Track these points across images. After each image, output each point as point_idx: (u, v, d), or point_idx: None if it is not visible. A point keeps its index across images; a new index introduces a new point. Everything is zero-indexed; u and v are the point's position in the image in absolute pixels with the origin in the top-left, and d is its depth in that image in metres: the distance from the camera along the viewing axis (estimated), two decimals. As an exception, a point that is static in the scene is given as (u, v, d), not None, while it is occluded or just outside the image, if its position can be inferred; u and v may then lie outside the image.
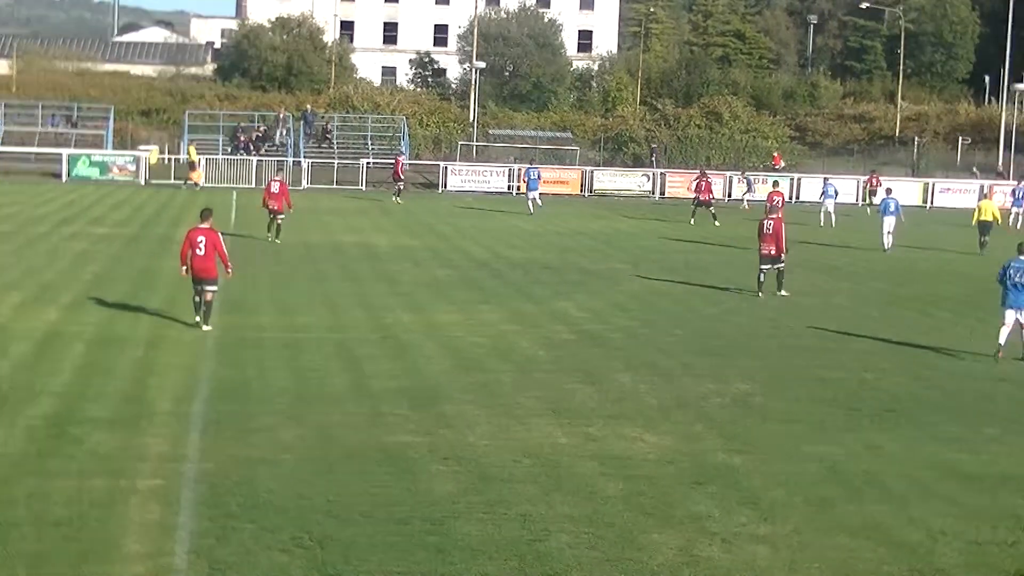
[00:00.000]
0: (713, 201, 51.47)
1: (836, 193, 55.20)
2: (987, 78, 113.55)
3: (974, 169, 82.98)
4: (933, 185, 72.25)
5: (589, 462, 15.04)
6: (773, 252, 30.02)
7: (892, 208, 42.60)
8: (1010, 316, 22.97)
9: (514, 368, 20.49)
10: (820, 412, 18.09)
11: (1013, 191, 60.50)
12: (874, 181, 63.21)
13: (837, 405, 18.60)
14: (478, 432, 16.24)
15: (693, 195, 52.36)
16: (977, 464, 15.59)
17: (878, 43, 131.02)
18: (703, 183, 51.73)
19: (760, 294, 30.02)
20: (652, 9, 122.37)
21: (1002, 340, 22.91)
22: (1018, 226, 53.53)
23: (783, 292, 30.19)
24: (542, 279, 32.09)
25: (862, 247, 42.50)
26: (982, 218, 43.88)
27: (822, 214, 52.05)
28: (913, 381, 20.78)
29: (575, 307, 27.44)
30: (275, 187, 38.90)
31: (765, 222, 30.58)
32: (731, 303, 29.12)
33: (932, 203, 69.45)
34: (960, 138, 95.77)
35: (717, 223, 48.77)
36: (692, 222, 49.67)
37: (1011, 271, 23.14)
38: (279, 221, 38.35)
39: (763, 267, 30.24)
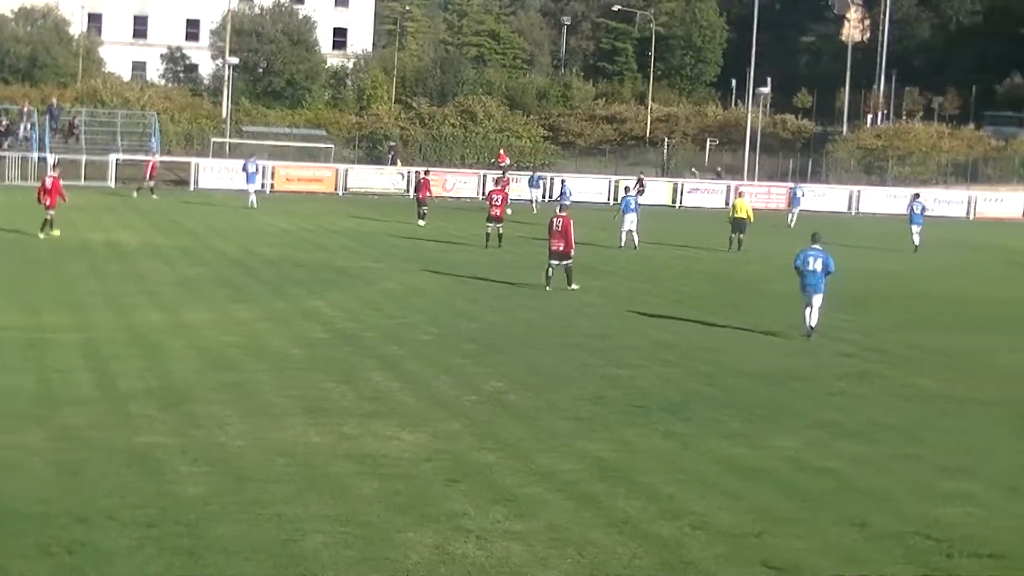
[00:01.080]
0: (429, 201, 50.25)
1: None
2: (734, 82, 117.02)
3: (690, 170, 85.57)
4: (682, 185, 74.09)
5: (344, 461, 14.87)
6: (562, 248, 30.93)
7: (633, 206, 43.64)
8: (806, 298, 25.51)
9: (267, 367, 20.16)
10: (583, 409, 18.23)
11: (791, 191, 63.10)
12: (641, 183, 64.78)
13: (600, 402, 18.78)
14: (230, 432, 15.91)
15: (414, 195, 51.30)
16: (759, 459, 15.93)
17: (629, 45, 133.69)
18: (425, 182, 50.83)
19: (548, 288, 30.71)
20: (407, 7, 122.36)
21: (808, 315, 25.42)
22: (793, 224, 55.75)
23: (574, 286, 30.98)
24: (295, 277, 31.74)
25: (607, 245, 43.03)
26: (736, 215, 45.25)
27: None
28: (691, 378, 21.16)
29: (329, 305, 27.19)
30: (48, 182, 38.50)
31: (555, 220, 31.48)
32: (488, 300, 29.26)
33: (681, 203, 71.14)
34: (708, 139, 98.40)
35: (422, 223, 48.05)
36: (422, 223, 48.17)
37: (808, 258, 25.50)
38: (48, 216, 37.70)
39: (552, 263, 31.17)
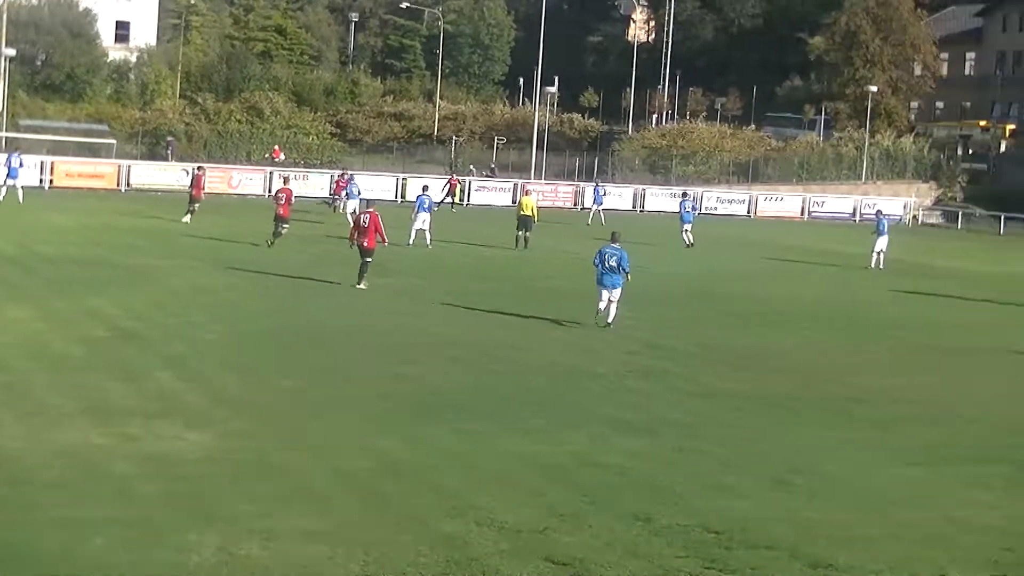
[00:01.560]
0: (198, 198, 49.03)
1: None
2: (521, 80, 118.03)
3: (488, 166, 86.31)
4: (470, 184, 74.45)
5: (127, 462, 14.53)
6: (366, 245, 31.18)
7: (427, 205, 43.75)
8: (604, 294, 26.80)
9: (45, 368, 19.57)
10: (373, 406, 18.15)
11: (595, 189, 64.31)
12: (453, 180, 65.12)
13: (391, 399, 18.71)
14: (6, 434, 15.41)
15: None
16: (547, 455, 16.03)
17: (418, 43, 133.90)
18: (198, 178, 49.98)
19: (360, 286, 31.05)
20: (192, 1, 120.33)
21: (601, 307, 26.93)
22: (593, 222, 56.80)
23: (362, 285, 31.08)
24: (75, 275, 30.87)
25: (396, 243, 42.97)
26: (523, 213, 45.72)
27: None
28: (483, 375, 21.22)
29: (111, 304, 26.51)
30: None
31: (362, 216, 32.00)
32: (277, 298, 28.96)
33: (469, 201, 71.46)
34: (496, 137, 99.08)
35: (186, 219, 46.64)
36: (186, 220, 46.68)
37: (606, 256, 26.91)
38: None
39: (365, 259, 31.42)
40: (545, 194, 70.35)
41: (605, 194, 64.37)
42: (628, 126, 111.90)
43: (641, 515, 13.54)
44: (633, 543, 12.69)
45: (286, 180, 47.67)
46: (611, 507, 13.82)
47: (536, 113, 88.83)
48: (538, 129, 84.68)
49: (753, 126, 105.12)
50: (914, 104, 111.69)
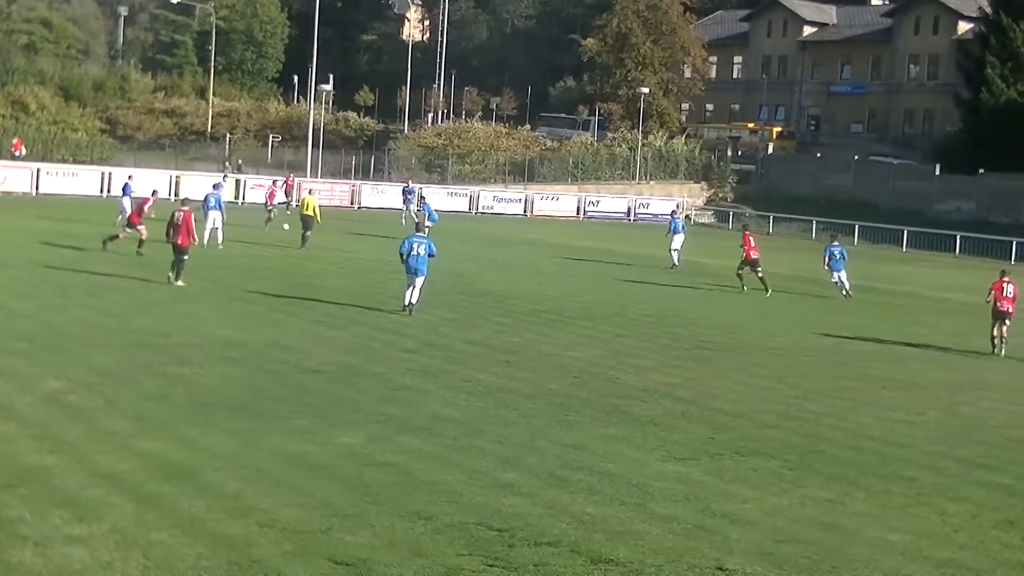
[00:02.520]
0: None
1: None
2: (296, 78, 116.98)
3: (231, 163, 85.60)
4: (245, 182, 73.53)
5: None
6: (180, 243, 31.57)
7: (214, 204, 43.19)
8: (410, 280, 29.21)
9: None
10: (145, 408, 17.71)
11: (403, 190, 64.40)
12: (289, 182, 64.31)
13: (163, 400, 18.29)
14: None
15: None
16: (327, 455, 15.86)
17: (189, 38, 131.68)
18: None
19: (173, 282, 31.15)
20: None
21: (408, 294, 29.19)
22: (407, 223, 56.76)
23: (179, 283, 31.29)
24: None
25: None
26: (305, 213, 45.50)
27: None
28: (258, 375, 20.90)
29: None
30: None
31: (176, 213, 32.15)
32: (44, 298, 28.09)
33: (244, 199, 70.58)
34: (271, 135, 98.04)
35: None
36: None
37: (413, 244, 29.21)
38: None
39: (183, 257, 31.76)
40: (322, 193, 69.77)
41: (414, 196, 64.76)
42: (404, 125, 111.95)
43: (423, 514, 13.51)
44: (416, 542, 12.65)
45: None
46: (393, 506, 13.75)
47: (311, 111, 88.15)
48: (313, 127, 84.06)
49: (528, 126, 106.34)
50: (685, 106, 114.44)
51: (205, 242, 41.55)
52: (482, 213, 78.40)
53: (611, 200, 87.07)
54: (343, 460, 15.68)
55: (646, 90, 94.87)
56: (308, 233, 44.75)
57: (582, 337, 28.21)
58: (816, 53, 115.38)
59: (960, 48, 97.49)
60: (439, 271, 38.47)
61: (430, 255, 29.36)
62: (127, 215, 42.07)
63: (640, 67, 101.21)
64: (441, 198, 75.56)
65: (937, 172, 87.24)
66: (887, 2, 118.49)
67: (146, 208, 39.41)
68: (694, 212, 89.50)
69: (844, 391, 23.35)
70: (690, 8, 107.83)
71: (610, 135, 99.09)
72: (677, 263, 47.90)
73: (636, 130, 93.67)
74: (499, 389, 21.16)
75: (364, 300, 31.70)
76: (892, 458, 17.79)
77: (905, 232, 76.99)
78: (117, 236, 38.72)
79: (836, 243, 43.14)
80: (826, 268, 42.45)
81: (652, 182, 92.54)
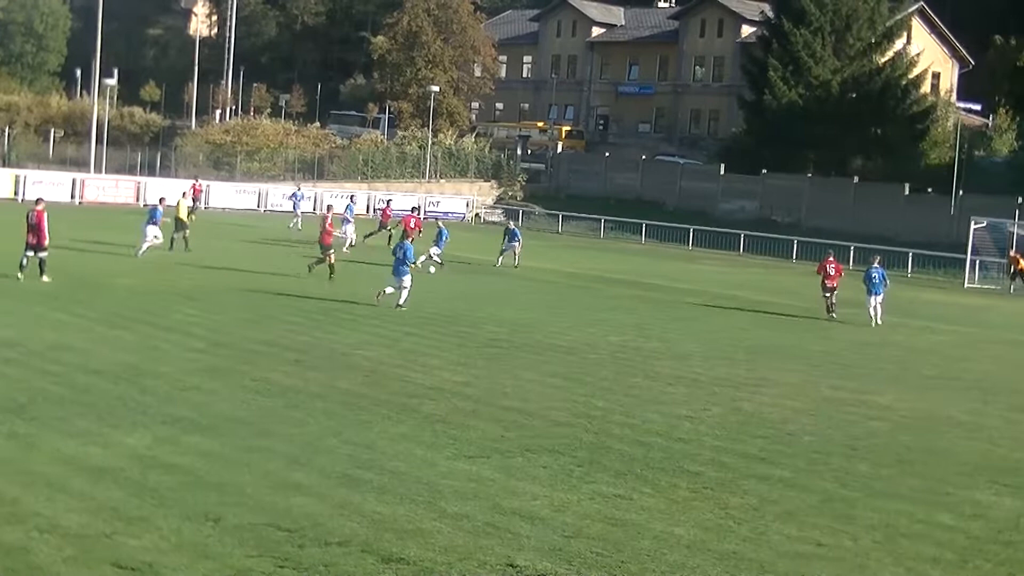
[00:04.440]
0: None
1: None
2: (79, 72, 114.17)
3: None
4: (25, 177, 71.49)
5: None
6: (34, 242, 32.29)
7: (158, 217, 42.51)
8: (394, 281, 33.01)
9: None
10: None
11: (293, 195, 63.88)
12: (197, 187, 63.61)
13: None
14: None
15: None
16: (111, 457, 15.47)
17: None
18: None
19: (19, 277, 31.59)
20: None
21: (388, 291, 32.95)
22: (298, 226, 56.45)
23: (45, 278, 32.01)
24: None
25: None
26: (179, 216, 44.82)
27: None
28: (37, 377, 20.29)
29: None
30: None
31: (30, 213, 32.78)
32: None
33: (24, 195, 68.55)
34: (52, 130, 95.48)
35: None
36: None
37: (406, 250, 33.24)
38: None
39: (27, 254, 32.35)
40: (106, 189, 68.34)
41: (302, 198, 64.84)
42: (191, 121, 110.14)
43: (211, 515, 13.31)
44: (204, 544, 12.46)
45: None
46: (180, 508, 13.51)
47: (95, 106, 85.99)
48: (97, 122, 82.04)
49: (318, 123, 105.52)
50: (475, 105, 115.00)
51: (140, 253, 41.29)
52: (271, 211, 77.54)
53: (401, 198, 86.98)
54: (127, 462, 15.34)
55: (436, 88, 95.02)
56: (185, 234, 44.30)
57: (373, 336, 28.13)
58: (605, 54, 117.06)
59: (744, 51, 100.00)
60: (226, 269, 38.08)
61: (409, 261, 33.26)
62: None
63: (430, 65, 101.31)
64: (229, 194, 74.59)
65: (722, 172, 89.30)
66: (674, 4, 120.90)
67: None
68: (484, 211, 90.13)
69: (631, 388, 23.74)
70: (480, 7, 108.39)
71: (400, 133, 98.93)
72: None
73: (426, 128, 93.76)
74: (289, 389, 20.97)
75: (151, 299, 31.11)
76: (677, 453, 18.15)
77: (691, 231, 78.64)
78: None
79: (877, 265, 39.50)
80: (866, 291, 38.92)
81: (442, 180, 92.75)
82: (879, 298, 38.81)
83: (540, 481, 15.94)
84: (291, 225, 60.48)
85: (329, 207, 48.57)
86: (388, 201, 64.77)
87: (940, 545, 14.33)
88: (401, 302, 32.91)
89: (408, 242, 34.74)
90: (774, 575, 12.93)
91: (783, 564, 13.24)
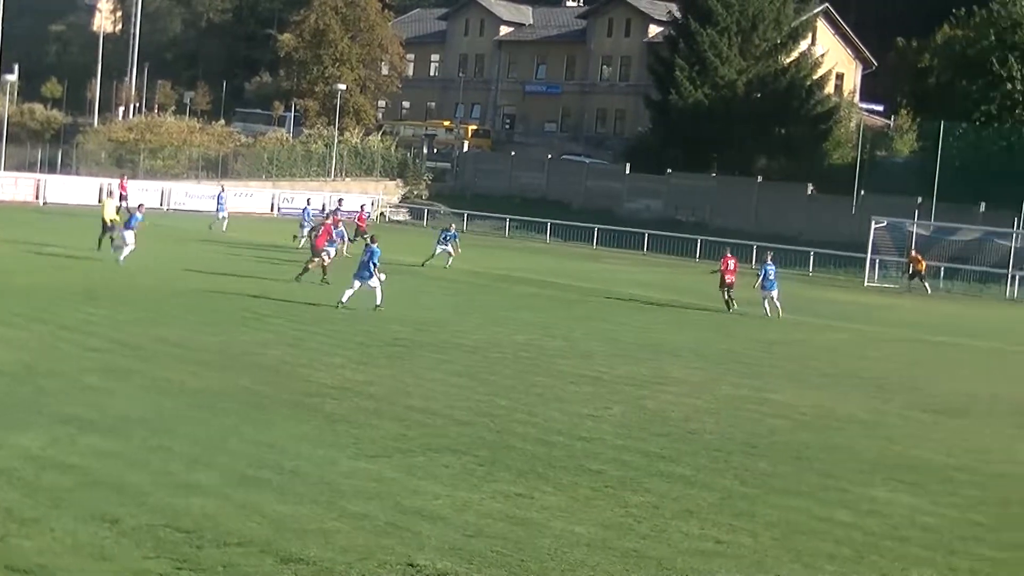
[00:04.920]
0: None
1: None
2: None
3: None
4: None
5: None
6: None
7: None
8: (356, 284, 33.54)
9: None
10: None
11: (217, 196, 63.48)
12: (123, 184, 63.02)
13: None
14: None
15: None
16: (1, 458, 15.25)
17: None
18: None
19: None
20: None
21: (348, 294, 33.23)
22: (223, 229, 55.75)
23: None
24: None
25: None
26: (104, 216, 44.38)
27: None
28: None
29: None
30: None
31: None
32: None
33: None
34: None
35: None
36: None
37: (372, 252, 33.73)
38: None
39: None
40: (5, 186, 67.33)
41: (225, 199, 64.34)
42: (94, 118, 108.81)
43: (108, 517, 13.14)
44: (100, 546, 12.30)
45: None
46: (76, 509, 13.33)
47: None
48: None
49: (223, 121, 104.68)
50: (382, 103, 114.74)
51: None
52: (175, 209, 76.79)
53: (305, 197, 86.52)
54: (21, 463, 15.10)
55: (343, 87, 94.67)
56: (104, 236, 43.46)
57: (276, 335, 27.95)
58: (512, 53, 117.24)
59: (651, 51, 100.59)
60: (130, 268, 37.67)
61: (374, 264, 33.78)
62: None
63: (337, 64, 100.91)
64: (131, 192, 73.68)
65: (627, 171, 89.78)
66: (581, 4, 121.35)
67: None
68: (389, 210, 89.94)
69: (534, 387, 23.79)
70: (388, 6, 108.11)
71: (306, 131, 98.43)
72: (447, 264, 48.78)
73: (332, 127, 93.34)
74: (190, 388, 20.78)
75: (51, 298, 30.69)
76: (579, 452, 18.21)
77: (596, 230, 78.97)
78: None
79: (770, 262, 41.92)
80: (758, 287, 41.20)
81: (348, 179, 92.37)
82: (774, 293, 40.96)
83: (441, 480, 15.93)
84: (211, 226, 59.90)
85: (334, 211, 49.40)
86: (362, 206, 65.22)
87: (837, 541, 14.50)
88: (378, 302, 33.50)
89: (375, 245, 34.62)
90: (674, 572, 13.01)
91: (683, 561, 13.33)
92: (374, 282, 33.68)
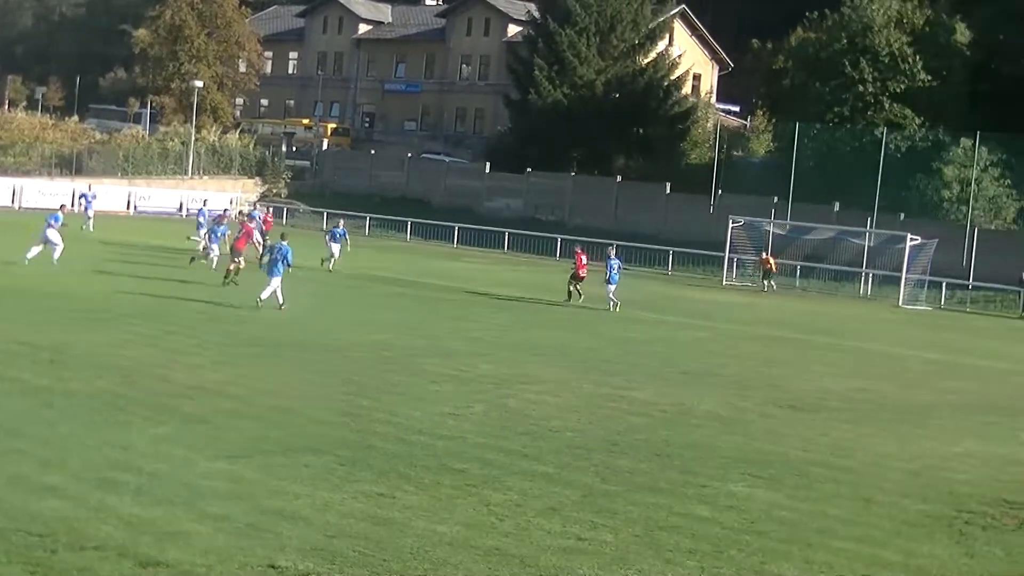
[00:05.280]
0: None
1: None
2: None
3: None
4: None
5: None
6: None
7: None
8: (275, 282, 34.12)
9: None
10: None
11: (83, 196, 62.20)
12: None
13: None
14: None
15: None
16: None
17: None
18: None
19: None
20: None
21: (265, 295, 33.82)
22: (91, 228, 54.64)
23: None
24: None
25: None
26: None
27: None
28: None
29: None
30: None
31: None
32: None
33: None
34: None
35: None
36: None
37: (275, 250, 34.85)
38: None
39: None
40: None
41: (94, 198, 62.97)
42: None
43: (-44, 522, 12.81)
44: (-52, 553, 11.97)
45: None
46: (-77, 516, 12.97)
47: None
48: None
49: (76, 117, 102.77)
50: (240, 101, 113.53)
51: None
52: (27, 208, 75.12)
53: (162, 194, 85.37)
54: None
55: (200, 83, 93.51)
56: None
57: (133, 335, 27.48)
58: (371, 51, 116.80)
59: (510, 50, 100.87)
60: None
61: (287, 264, 34.75)
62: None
63: (194, 60, 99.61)
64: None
65: (487, 170, 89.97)
66: (441, 3, 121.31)
67: None
68: (248, 208, 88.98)
69: (395, 386, 23.69)
70: (245, 3, 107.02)
71: (162, 129, 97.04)
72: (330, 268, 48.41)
73: (189, 124, 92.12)
74: (42, 389, 20.33)
75: None
76: (441, 451, 18.17)
77: (456, 229, 79.01)
78: None
79: (614, 257, 43.93)
80: (605, 280, 42.84)
81: (205, 177, 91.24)
82: (613, 287, 42.81)
83: (302, 481, 15.78)
84: (83, 227, 58.83)
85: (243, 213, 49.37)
86: (268, 208, 64.96)
87: (696, 537, 14.65)
88: (281, 301, 34.24)
89: (286, 243, 35.25)
90: (536, 570, 13.03)
91: (545, 559, 13.36)
92: (276, 282, 34.42)
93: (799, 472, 18.78)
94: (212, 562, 12.31)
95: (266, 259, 36.19)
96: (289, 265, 34.89)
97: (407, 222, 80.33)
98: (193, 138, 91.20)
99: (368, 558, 12.85)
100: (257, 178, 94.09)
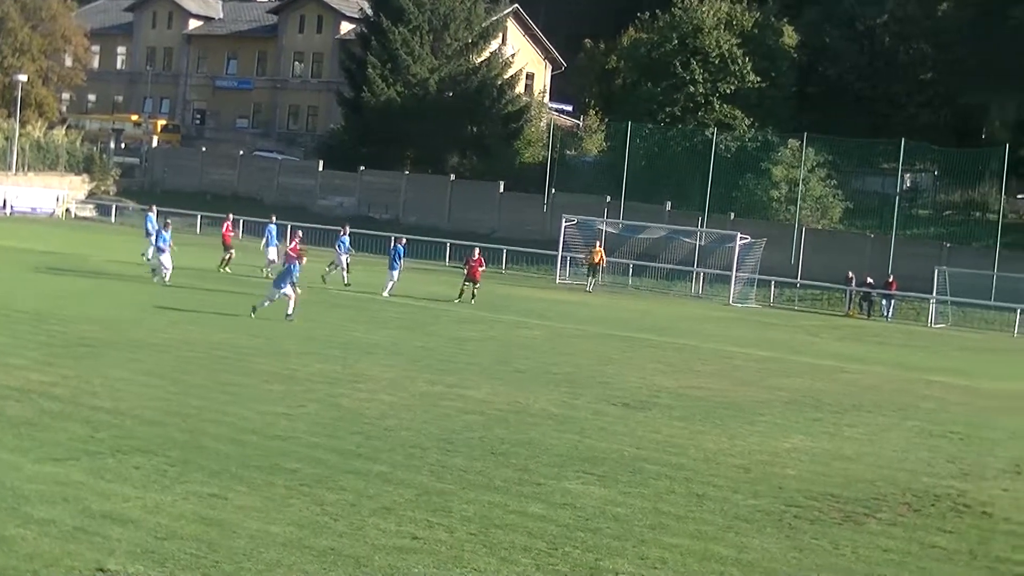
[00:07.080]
0: None
1: None
2: None
3: None
4: None
5: None
6: None
7: None
8: (275, 293, 35.37)
9: None
10: None
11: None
12: None
13: None
14: None
15: None
16: None
17: None
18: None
19: None
20: None
21: (264, 304, 34.88)
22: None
23: None
24: None
25: None
26: None
27: None
28: None
29: None
30: None
31: None
32: None
33: None
34: None
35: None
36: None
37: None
38: None
39: None
40: None
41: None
42: None
43: None
44: None
45: None
46: None
47: None
48: None
49: None
50: (66, 96, 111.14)
51: None
52: None
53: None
54: None
55: (23, 78, 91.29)
56: None
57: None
58: (202, 47, 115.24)
59: (343, 48, 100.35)
60: None
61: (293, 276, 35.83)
62: None
63: (17, 54, 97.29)
64: None
65: (321, 168, 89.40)
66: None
67: None
68: (75, 206, 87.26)
69: (227, 386, 23.38)
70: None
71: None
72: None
73: (12, 119, 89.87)
74: None
75: None
76: (274, 451, 17.97)
77: (289, 227, 78.25)
78: None
79: (400, 245, 49.19)
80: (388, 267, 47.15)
81: (31, 174, 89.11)
82: (396, 273, 47.29)
83: (132, 482, 15.47)
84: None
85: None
86: (230, 216, 62.49)
87: (532, 534, 14.69)
88: (291, 312, 35.20)
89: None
90: (371, 570, 12.94)
91: (380, 558, 13.28)
92: (279, 293, 35.42)
93: (632, 469, 18.96)
94: (38, 567, 12.00)
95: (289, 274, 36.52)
96: (295, 278, 36.07)
97: (240, 220, 79.34)
98: (17, 134, 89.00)
99: (200, 560, 12.64)
100: (85, 175, 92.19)
